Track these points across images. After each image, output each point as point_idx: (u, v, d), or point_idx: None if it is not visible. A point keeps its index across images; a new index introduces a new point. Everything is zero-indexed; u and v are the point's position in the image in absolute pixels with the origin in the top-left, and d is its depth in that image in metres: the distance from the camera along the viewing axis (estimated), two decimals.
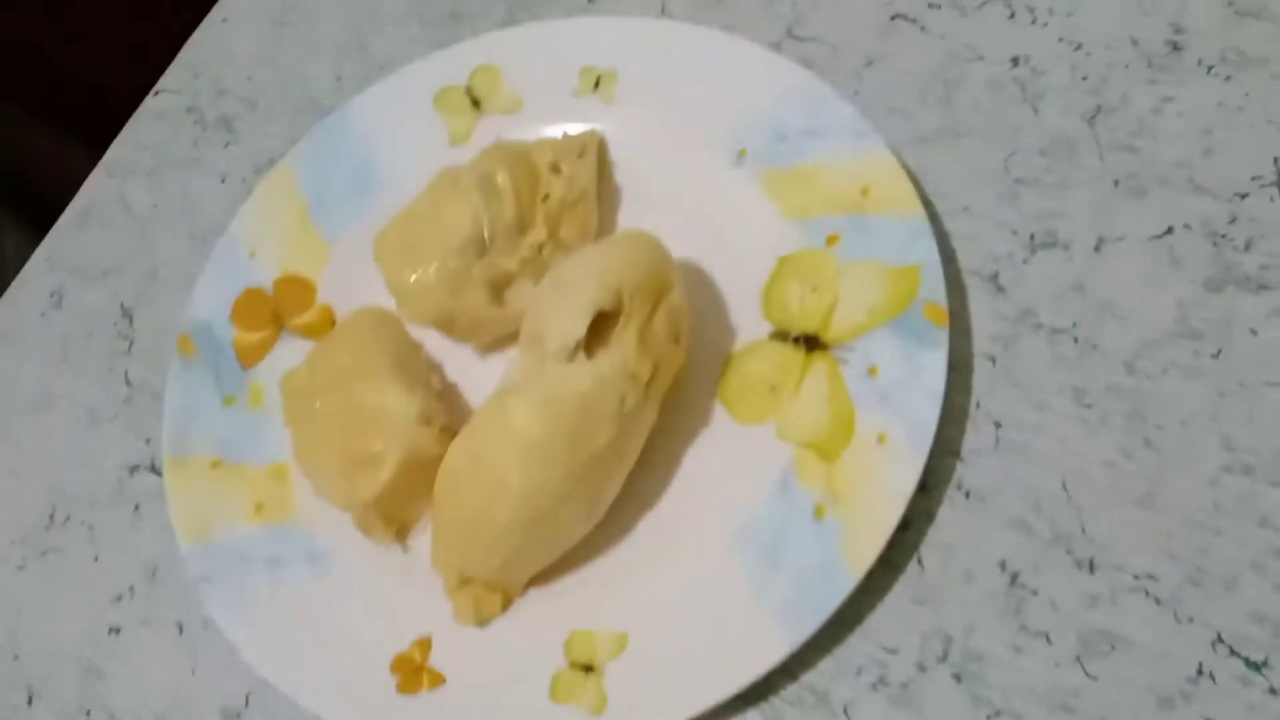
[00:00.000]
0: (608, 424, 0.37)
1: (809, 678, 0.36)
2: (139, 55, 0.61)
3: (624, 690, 0.35)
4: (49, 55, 0.76)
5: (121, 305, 0.51)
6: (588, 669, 0.36)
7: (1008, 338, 0.39)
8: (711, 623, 0.36)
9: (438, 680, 0.37)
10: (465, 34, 0.52)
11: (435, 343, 0.44)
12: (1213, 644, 0.33)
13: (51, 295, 0.52)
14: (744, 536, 0.37)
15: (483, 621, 0.38)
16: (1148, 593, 0.34)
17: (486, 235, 0.41)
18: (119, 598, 0.44)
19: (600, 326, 0.37)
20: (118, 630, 0.44)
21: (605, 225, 0.45)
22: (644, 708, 0.35)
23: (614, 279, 0.38)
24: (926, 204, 0.41)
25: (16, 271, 0.55)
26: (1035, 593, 0.35)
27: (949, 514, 0.37)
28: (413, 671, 0.38)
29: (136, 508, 0.46)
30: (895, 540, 0.36)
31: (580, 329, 0.37)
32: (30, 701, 0.43)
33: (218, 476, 0.43)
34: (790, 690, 0.36)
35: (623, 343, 0.37)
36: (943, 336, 0.37)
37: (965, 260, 0.40)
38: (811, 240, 0.41)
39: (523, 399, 0.37)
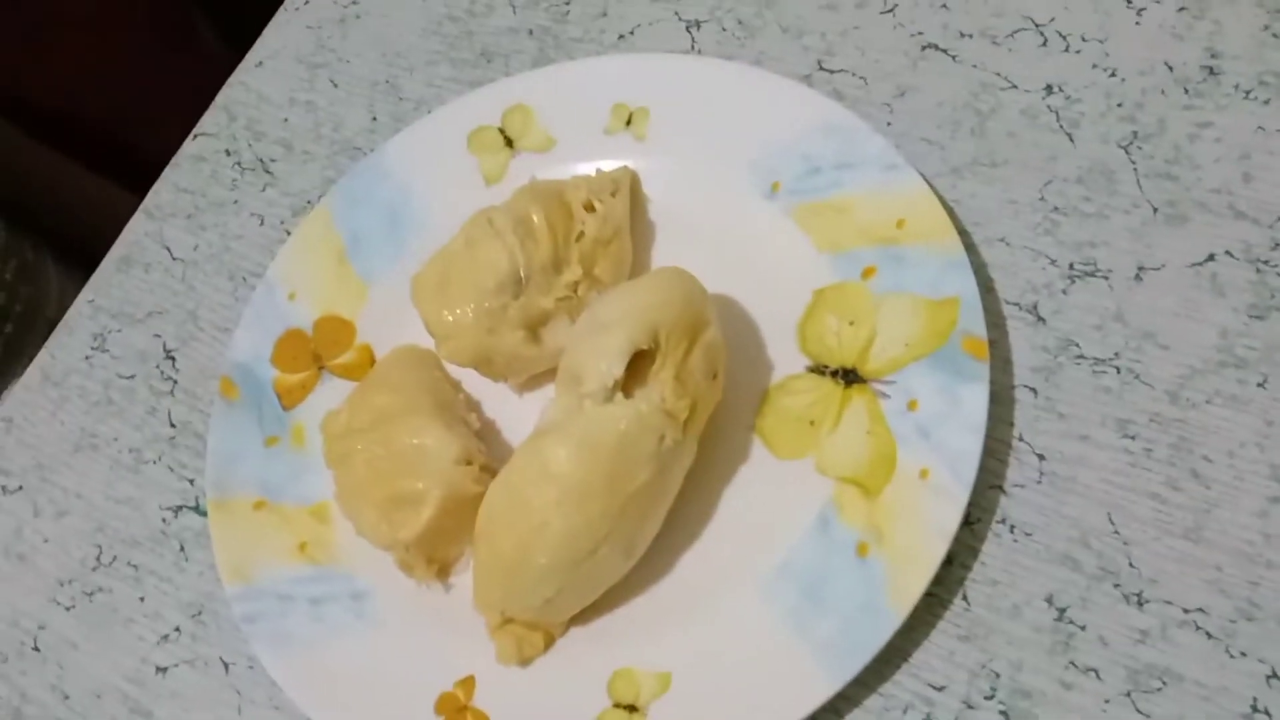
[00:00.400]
0: (647, 463, 0.37)
1: (854, 716, 0.36)
2: (177, 99, 0.62)
3: None
4: (88, 101, 0.77)
5: (164, 347, 0.52)
6: (631, 709, 0.36)
7: (1049, 369, 0.39)
8: (754, 662, 0.36)
9: None
10: (496, 73, 0.53)
11: (473, 381, 0.44)
12: (1267, 679, 0.33)
13: (95, 338, 0.53)
14: (785, 574, 0.37)
15: (525, 661, 0.38)
16: (1198, 627, 0.34)
17: (522, 274, 0.42)
18: (165, 637, 0.45)
19: (637, 365, 0.37)
20: (164, 670, 0.44)
21: (639, 262, 0.45)
22: None
23: (650, 317, 0.38)
24: (962, 235, 0.41)
25: (61, 315, 0.56)
26: (1083, 628, 0.35)
27: (993, 549, 0.36)
28: (457, 711, 0.38)
29: (181, 548, 0.46)
30: (939, 576, 0.36)
31: (618, 369, 0.37)
32: None
33: (261, 517, 0.43)
34: None
35: (660, 381, 0.37)
36: (983, 369, 0.37)
37: (1004, 291, 0.40)
38: (847, 273, 0.41)
39: (561, 440, 0.37)
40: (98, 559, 0.48)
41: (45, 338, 0.55)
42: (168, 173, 0.58)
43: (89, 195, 0.80)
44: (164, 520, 0.47)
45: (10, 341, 0.74)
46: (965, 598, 0.36)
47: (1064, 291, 0.40)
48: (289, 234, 0.51)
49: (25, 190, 0.78)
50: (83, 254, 0.64)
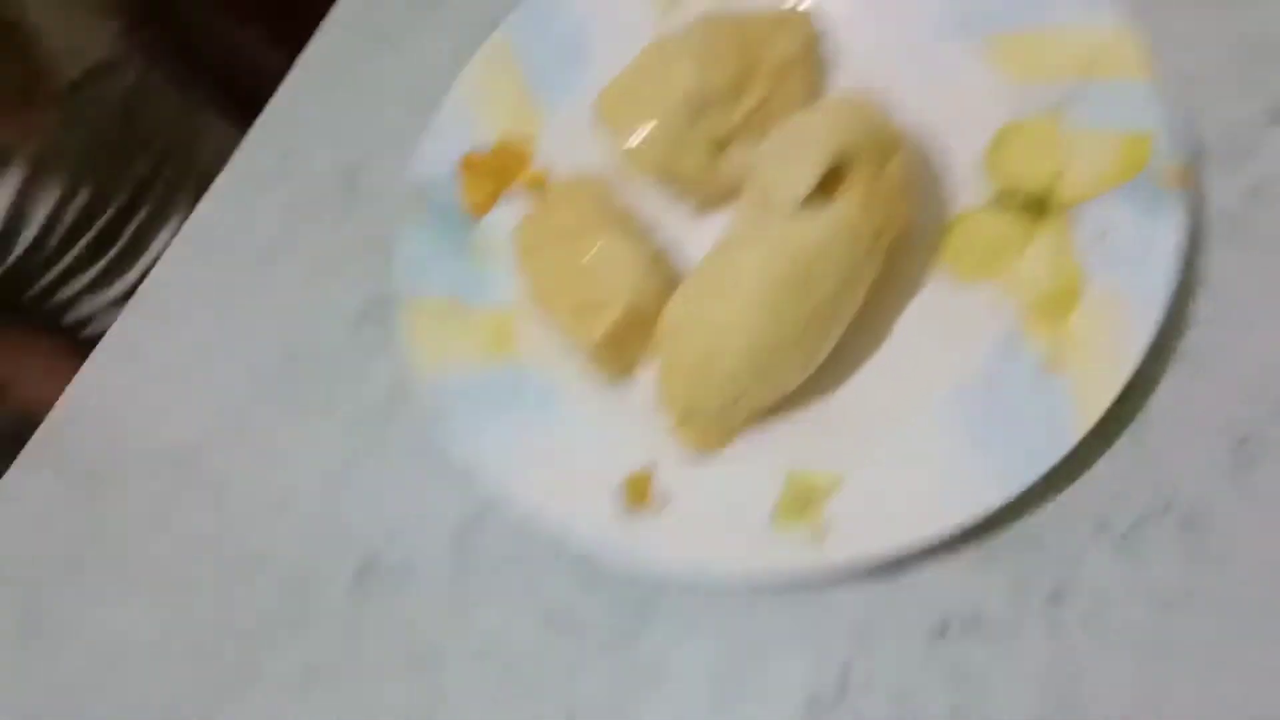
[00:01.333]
0: (832, 276, 0.38)
1: (1025, 523, 0.37)
2: None
3: (843, 522, 0.37)
4: None
5: (347, 164, 0.54)
6: (806, 503, 0.38)
7: (1244, 205, 0.38)
8: (929, 467, 0.37)
9: (664, 502, 0.39)
10: None
11: (649, 205, 0.46)
12: None
13: (280, 154, 0.56)
14: (966, 386, 0.38)
15: (706, 452, 0.40)
16: None
17: (706, 95, 0.43)
18: (355, 426, 0.48)
19: (826, 185, 0.38)
20: (354, 463, 0.47)
21: (821, 91, 0.45)
22: (864, 539, 0.36)
23: (843, 136, 0.39)
24: (1157, 70, 0.40)
25: (218, 156, 0.58)
26: (1264, 455, 0.35)
27: (1176, 379, 0.37)
28: (639, 494, 0.40)
29: (368, 350, 0.49)
30: (1122, 400, 0.36)
31: (810, 182, 0.38)
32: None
33: (449, 317, 0.46)
34: (1007, 533, 0.37)
35: (850, 199, 0.38)
36: (1177, 201, 0.37)
37: (1200, 128, 0.40)
38: (1037, 107, 0.41)
39: (751, 250, 0.38)
40: (287, 360, 0.51)
41: (200, 183, 0.57)
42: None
43: (249, 45, 0.83)
44: (352, 324, 0.50)
45: (170, 182, 0.77)
46: (1145, 423, 0.37)
47: (1263, 129, 0.39)
48: (468, 58, 0.52)
49: (182, 38, 0.81)
50: (248, 102, 0.66)
